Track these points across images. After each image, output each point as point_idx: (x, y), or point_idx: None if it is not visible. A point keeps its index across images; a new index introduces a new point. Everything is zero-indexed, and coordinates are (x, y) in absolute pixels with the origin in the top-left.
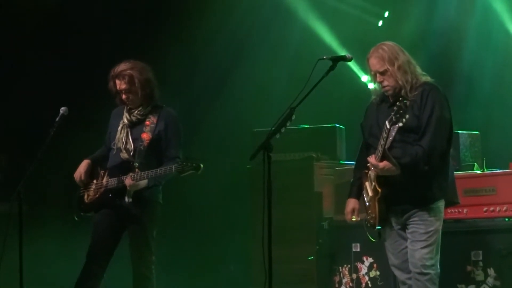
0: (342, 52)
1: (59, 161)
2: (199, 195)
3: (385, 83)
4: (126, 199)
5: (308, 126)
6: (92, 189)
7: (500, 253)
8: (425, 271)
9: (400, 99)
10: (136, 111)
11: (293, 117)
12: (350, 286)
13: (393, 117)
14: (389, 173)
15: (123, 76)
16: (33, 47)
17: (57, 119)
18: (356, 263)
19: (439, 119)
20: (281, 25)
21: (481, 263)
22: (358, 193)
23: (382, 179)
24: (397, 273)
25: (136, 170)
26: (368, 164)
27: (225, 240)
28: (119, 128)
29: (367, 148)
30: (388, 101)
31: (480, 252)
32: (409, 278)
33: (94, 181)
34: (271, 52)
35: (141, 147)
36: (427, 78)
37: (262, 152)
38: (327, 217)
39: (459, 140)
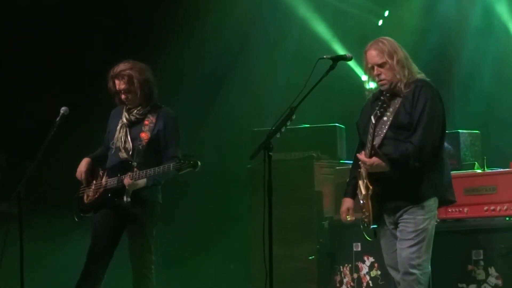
0: (342, 52)
1: (59, 160)
2: (199, 194)
3: (382, 76)
4: (125, 198)
5: (309, 125)
6: (91, 189)
7: (501, 252)
8: (411, 270)
9: (385, 93)
10: (135, 111)
11: (294, 116)
12: (351, 286)
13: (378, 111)
14: (378, 169)
15: (122, 76)
16: (32, 46)
17: (57, 119)
18: (357, 263)
19: (431, 116)
20: (281, 24)
21: (482, 262)
22: (353, 192)
23: (373, 176)
24: (392, 273)
25: (135, 169)
26: (360, 163)
27: (225, 240)
28: (118, 127)
29: (362, 147)
30: (381, 98)
31: (481, 251)
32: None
33: (94, 182)
34: (271, 52)
35: (140, 147)
36: (422, 76)
37: (263, 151)
38: (327, 216)
39: (459, 139)
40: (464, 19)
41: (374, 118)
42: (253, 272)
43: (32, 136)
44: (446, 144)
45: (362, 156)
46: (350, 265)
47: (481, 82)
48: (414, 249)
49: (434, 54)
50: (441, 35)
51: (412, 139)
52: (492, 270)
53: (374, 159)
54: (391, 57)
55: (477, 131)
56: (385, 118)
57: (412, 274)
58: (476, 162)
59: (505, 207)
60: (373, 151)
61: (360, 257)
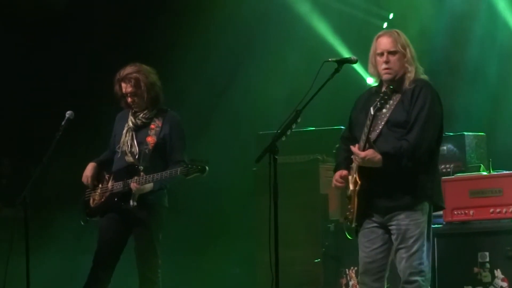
0: (347, 55)
1: (65, 165)
2: (205, 197)
3: (391, 64)
4: (131, 202)
5: (314, 128)
6: (97, 193)
7: (507, 254)
8: (413, 278)
9: (388, 86)
10: (141, 115)
11: (299, 119)
12: None
13: (378, 103)
14: (370, 164)
15: (129, 79)
16: (36, 50)
17: (62, 123)
18: None
19: (429, 116)
20: (286, 28)
21: (488, 265)
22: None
23: (363, 171)
24: (362, 275)
25: (141, 173)
26: (352, 156)
27: (231, 243)
28: (124, 131)
29: (352, 141)
30: (380, 93)
31: (487, 253)
32: (375, 281)
33: (100, 186)
34: (276, 55)
35: (146, 151)
36: (424, 77)
37: (268, 154)
38: (333, 219)
39: (465, 141)
40: (469, 21)
41: (374, 109)
42: (259, 276)
43: (36, 140)
44: (451, 147)
45: (355, 148)
46: (355, 268)
47: (487, 84)
48: (415, 256)
49: (439, 56)
50: (446, 37)
51: (408, 137)
52: (498, 273)
53: (368, 152)
54: (404, 49)
55: (482, 134)
56: (382, 113)
57: (414, 282)
58: (481, 165)
59: (511, 209)
60: (367, 145)
61: None
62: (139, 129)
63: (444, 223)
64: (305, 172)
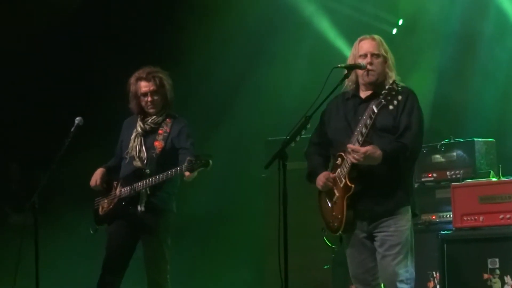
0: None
1: (74, 170)
2: (214, 203)
3: (373, 66)
4: (139, 207)
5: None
6: (106, 201)
7: None
8: (400, 286)
9: (395, 82)
10: (149, 120)
11: (308, 125)
12: None
13: (382, 100)
14: (371, 160)
15: (153, 77)
16: (45, 55)
17: (72, 129)
18: None
19: (420, 123)
20: (295, 34)
21: (498, 271)
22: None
23: (354, 174)
24: (356, 285)
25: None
26: (348, 151)
27: (240, 248)
28: (133, 136)
29: (324, 146)
30: (358, 97)
31: (497, 259)
32: None
33: (109, 193)
34: (285, 61)
35: (154, 155)
36: (403, 84)
37: (277, 160)
38: None
39: (474, 147)
40: (478, 25)
41: (377, 107)
42: (268, 281)
43: (45, 145)
44: (461, 153)
45: (354, 146)
46: None
47: (496, 89)
48: (402, 264)
49: (448, 62)
50: (455, 42)
51: (403, 140)
52: (508, 279)
53: (368, 148)
54: (386, 54)
55: (492, 140)
56: (364, 118)
57: None
58: (491, 171)
59: None
60: (365, 143)
61: None
62: (148, 135)
63: (453, 229)
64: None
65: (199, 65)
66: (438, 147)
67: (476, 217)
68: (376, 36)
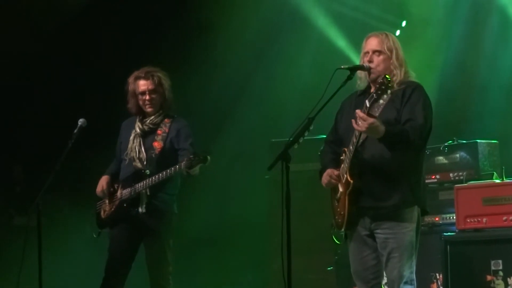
0: (360, 62)
1: (78, 172)
2: (217, 204)
3: (374, 64)
4: (140, 209)
5: (326, 135)
6: (108, 204)
7: None
8: (405, 287)
9: (384, 76)
10: (148, 120)
11: (311, 127)
12: None
13: (374, 94)
14: (374, 132)
15: (152, 76)
16: (48, 57)
17: (75, 130)
18: None
19: (425, 115)
20: (298, 35)
21: (501, 273)
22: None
23: (356, 170)
24: (357, 282)
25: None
26: (354, 122)
27: (243, 250)
28: (131, 137)
29: (338, 144)
30: (368, 94)
31: (500, 261)
32: None
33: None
34: (289, 62)
35: (153, 155)
36: (415, 80)
37: (281, 162)
38: None
39: (477, 149)
40: (482, 27)
41: (369, 101)
42: (271, 283)
43: (50, 147)
44: (464, 154)
45: (362, 112)
46: None
47: (499, 91)
48: (406, 266)
49: (451, 63)
50: (459, 43)
51: (408, 125)
52: (511, 281)
53: (374, 120)
54: (390, 52)
55: (495, 141)
56: (373, 112)
57: None
58: (494, 172)
59: None
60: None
61: None
62: (146, 135)
63: (457, 230)
64: (318, 180)
65: (203, 68)
66: (441, 148)
67: (480, 219)
68: (381, 33)
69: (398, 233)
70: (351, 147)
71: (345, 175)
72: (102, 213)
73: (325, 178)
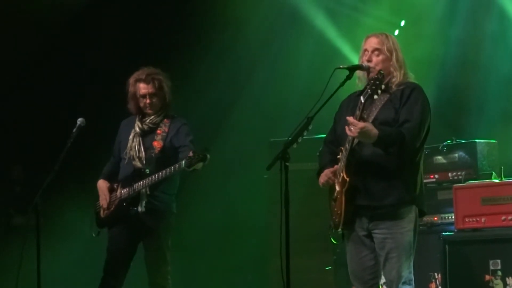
0: (359, 61)
1: (77, 172)
2: (216, 204)
3: (372, 63)
4: (139, 208)
5: (325, 135)
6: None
7: None
8: (403, 287)
9: (379, 71)
10: (148, 120)
11: (310, 126)
12: None
13: (368, 90)
14: (367, 137)
15: (152, 79)
16: (48, 57)
17: (74, 130)
18: None
19: (422, 116)
20: (297, 35)
21: (499, 272)
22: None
23: (351, 168)
24: (354, 283)
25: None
26: (347, 128)
27: (242, 250)
28: (131, 136)
29: (336, 144)
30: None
31: (499, 261)
32: None
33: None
34: (288, 62)
35: (153, 155)
36: (412, 80)
37: (279, 162)
38: None
39: (476, 148)
40: (481, 26)
41: (364, 97)
42: (270, 283)
43: (49, 147)
44: (463, 154)
45: (352, 119)
46: None
47: (498, 91)
48: (404, 266)
49: (451, 63)
50: (458, 44)
51: (401, 129)
52: (510, 280)
53: (366, 124)
54: (390, 52)
55: (494, 141)
56: (370, 111)
57: None
58: (493, 172)
59: None
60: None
61: None
62: (146, 134)
63: (455, 230)
64: (316, 179)
65: (202, 66)
66: (440, 148)
67: (478, 219)
68: (381, 33)
69: (396, 233)
70: (347, 146)
71: (341, 173)
72: (101, 212)
73: (322, 178)
